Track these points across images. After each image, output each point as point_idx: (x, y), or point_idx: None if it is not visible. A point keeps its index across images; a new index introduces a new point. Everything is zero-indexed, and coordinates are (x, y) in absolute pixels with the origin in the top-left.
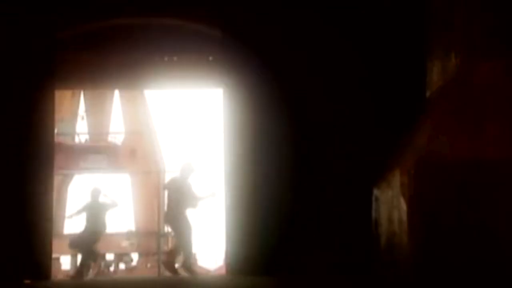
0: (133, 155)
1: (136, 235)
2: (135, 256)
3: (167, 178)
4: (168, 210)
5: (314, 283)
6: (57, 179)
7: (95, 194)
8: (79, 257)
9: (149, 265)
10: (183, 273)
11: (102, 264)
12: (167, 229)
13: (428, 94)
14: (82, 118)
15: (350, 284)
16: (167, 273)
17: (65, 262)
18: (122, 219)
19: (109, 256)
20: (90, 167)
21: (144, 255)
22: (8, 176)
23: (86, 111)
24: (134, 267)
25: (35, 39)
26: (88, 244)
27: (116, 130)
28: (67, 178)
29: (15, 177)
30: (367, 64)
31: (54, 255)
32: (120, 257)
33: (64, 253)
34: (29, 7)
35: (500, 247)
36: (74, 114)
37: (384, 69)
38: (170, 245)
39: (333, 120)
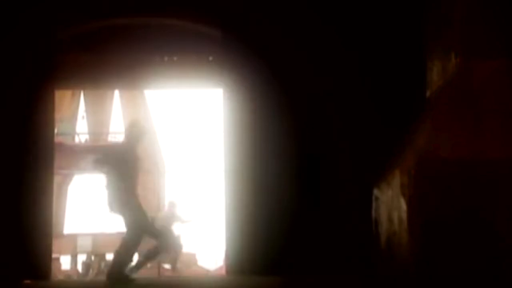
0: None
1: None
2: (135, 256)
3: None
4: (111, 193)
5: (314, 283)
6: (57, 179)
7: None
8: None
9: (149, 265)
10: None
11: (102, 264)
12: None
13: (428, 94)
14: (83, 117)
15: (350, 284)
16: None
17: (65, 262)
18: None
19: (109, 256)
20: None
21: None
22: (8, 176)
23: (86, 111)
24: None
25: (35, 39)
26: None
27: (116, 130)
28: (67, 178)
29: (15, 177)
30: (367, 64)
31: (54, 255)
32: None
33: (64, 253)
34: (29, 7)
35: (500, 247)
36: (74, 114)
37: (384, 69)
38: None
39: (334, 120)
